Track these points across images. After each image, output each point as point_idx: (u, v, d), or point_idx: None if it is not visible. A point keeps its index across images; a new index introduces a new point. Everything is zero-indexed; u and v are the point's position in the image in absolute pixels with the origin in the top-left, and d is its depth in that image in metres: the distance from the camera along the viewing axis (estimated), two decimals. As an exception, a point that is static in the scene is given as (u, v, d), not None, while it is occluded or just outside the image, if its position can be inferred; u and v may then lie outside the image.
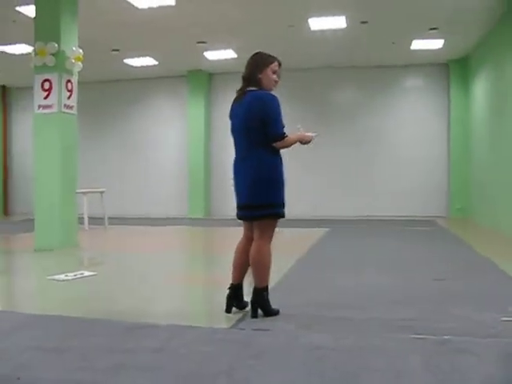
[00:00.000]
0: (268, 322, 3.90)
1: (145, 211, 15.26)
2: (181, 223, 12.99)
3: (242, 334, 3.63)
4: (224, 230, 11.39)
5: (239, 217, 4.14)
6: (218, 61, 13.54)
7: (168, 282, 5.79)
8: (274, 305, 4.07)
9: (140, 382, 2.76)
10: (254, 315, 3.98)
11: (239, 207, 4.10)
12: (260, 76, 4.00)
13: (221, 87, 14.95)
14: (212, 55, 13.08)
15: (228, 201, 12.98)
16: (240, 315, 4.07)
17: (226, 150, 14.74)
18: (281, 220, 4.08)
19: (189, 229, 12.17)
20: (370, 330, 3.73)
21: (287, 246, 8.01)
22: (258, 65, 4.02)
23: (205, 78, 15.11)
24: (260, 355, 3.19)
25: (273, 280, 4.27)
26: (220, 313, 4.15)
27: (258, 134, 3.90)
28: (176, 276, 6.29)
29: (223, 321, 3.99)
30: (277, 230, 4.09)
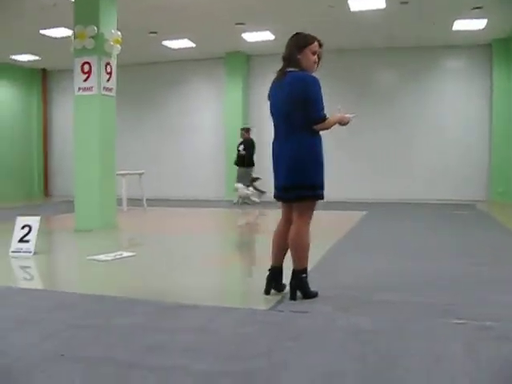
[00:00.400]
0: (306, 304, 3.89)
1: (182, 193, 15.37)
2: (218, 205, 13.04)
3: (281, 316, 3.64)
4: (261, 212, 11.40)
5: (278, 198, 4.13)
6: (257, 42, 13.47)
7: (206, 264, 5.83)
8: (312, 287, 4.06)
9: (180, 362, 2.79)
10: (293, 297, 3.97)
11: (278, 188, 4.08)
12: (299, 56, 3.95)
13: (259, 69, 14.89)
14: (250, 37, 13.00)
15: (264, 183, 12.98)
16: (279, 297, 4.07)
17: (264, 133, 14.70)
18: (319, 202, 4.05)
19: (225, 211, 12.23)
20: (410, 313, 3.69)
21: (325, 229, 7.97)
22: (297, 45, 3.97)
23: (243, 60, 15.06)
24: (298, 337, 3.19)
25: (311, 262, 4.25)
26: (258, 294, 4.16)
27: (298, 116, 3.87)
28: (214, 257, 6.34)
29: (262, 303, 3.99)
30: (315, 211, 4.07)
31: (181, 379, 2.60)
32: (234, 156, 13.46)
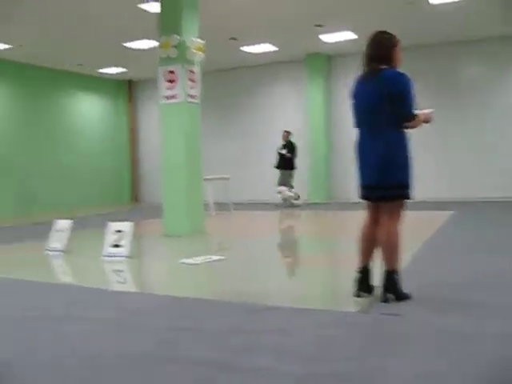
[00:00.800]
0: (398, 306, 3.79)
1: (266, 197, 15.43)
2: (302, 208, 13.02)
3: (372, 319, 3.57)
4: (346, 213, 11.29)
5: (364, 197, 4.07)
6: (337, 43, 13.35)
7: (293, 265, 5.83)
8: (404, 288, 3.96)
9: (267, 364, 2.79)
10: (385, 299, 3.88)
11: (365, 187, 4.02)
12: (391, 55, 3.95)
13: (340, 69, 14.77)
14: (330, 38, 12.90)
15: (349, 185, 12.85)
16: (369, 299, 4.00)
17: (347, 134, 14.57)
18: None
19: (310, 213, 12.19)
20: (510, 315, 3.53)
21: (413, 229, 7.77)
22: (388, 43, 3.97)
23: (323, 61, 14.97)
24: (390, 341, 3.12)
25: (401, 262, 4.16)
26: (346, 296, 4.11)
27: (388, 114, 3.81)
28: (300, 259, 6.33)
29: (351, 304, 3.94)
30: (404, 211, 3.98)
31: (271, 381, 2.60)
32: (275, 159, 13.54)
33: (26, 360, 3.02)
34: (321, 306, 4.01)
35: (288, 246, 7.35)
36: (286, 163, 13.29)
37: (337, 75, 14.96)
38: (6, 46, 12.32)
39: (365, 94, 3.99)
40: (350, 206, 12.23)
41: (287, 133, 13.54)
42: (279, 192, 13.19)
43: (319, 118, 14.89)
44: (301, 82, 15.35)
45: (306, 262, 6.14)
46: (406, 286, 3.98)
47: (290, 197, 13.16)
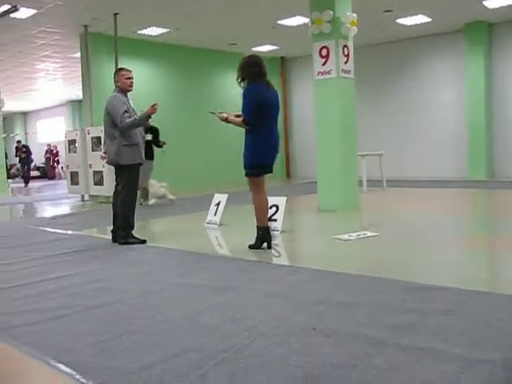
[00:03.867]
0: None
1: (422, 173, 14.94)
2: (460, 186, 12.34)
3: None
4: (509, 193, 10.55)
5: None
6: (501, 8, 12.41)
7: (452, 245, 5.60)
8: None
9: (433, 345, 2.71)
10: None
11: None
12: None
13: (504, 37, 13.75)
14: (492, 3, 12.03)
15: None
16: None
17: (509, 108, 13.65)
18: None
19: (469, 191, 11.53)
20: None
21: None
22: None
23: (484, 30, 13.99)
24: None
25: None
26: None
27: None
28: (460, 239, 6.06)
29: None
30: None
31: (437, 362, 2.52)
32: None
33: (188, 322, 3.23)
34: (485, 289, 3.80)
35: (444, 225, 7.05)
36: (151, 151, 10.70)
37: (498, 44, 13.90)
38: (165, 30, 13.03)
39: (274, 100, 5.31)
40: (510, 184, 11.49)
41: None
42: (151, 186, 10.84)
43: (479, 91, 13.95)
44: (459, 53, 14.49)
45: (466, 243, 5.87)
46: None
47: (162, 193, 10.93)
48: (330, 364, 2.55)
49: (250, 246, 5.61)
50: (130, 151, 6.15)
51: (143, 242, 6.22)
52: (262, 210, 5.61)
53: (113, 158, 6.17)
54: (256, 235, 5.62)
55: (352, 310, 3.38)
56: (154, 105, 6.18)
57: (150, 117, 6.26)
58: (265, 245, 5.62)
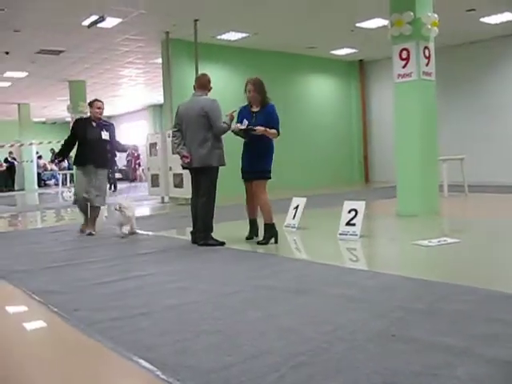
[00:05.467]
0: None
1: (507, 179, 14.34)
2: None
3: None
4: None
5: None
6: None
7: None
8: None
9: (517, 355, 2.63)
10: None
11: None
12: None
13: None
14: None
15: None
16: None
17: None
18: None
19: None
20: None
21: None
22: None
23: None
24: None
25: None
26: None
27: None
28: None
29: None
30: None
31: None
32: None
33: (266, 324, 3.25)
34: None
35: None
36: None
37: None
38: (244, 35, 13.20)
39: None
40: None
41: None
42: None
43: None
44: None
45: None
46: None
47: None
48: (410, 372, 2.50)
49: (259, 243, 6.25)
50: (221, 154, 6.39)
51: (222, 243, 6.32)
52: (270, 208, 6.30)
53: (204, 159, 6.32)
54: (264, 232, 6.31)
55: (433, 317, 3.30)
56: (233, 112, 6.41)
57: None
58: (272, 240, 6.29)
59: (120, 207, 7.23)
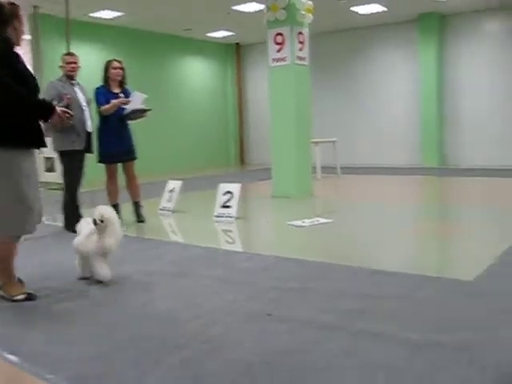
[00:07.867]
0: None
1: (376, 161, 15.11)
2: (414, 173, 12.48)
3: (487, 287, 3.43)
4: (460, 180, 10.76)
5: None
6: (453, 0, 12.55)
7: (403, 232, 5.69)
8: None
9: (386, 329, 2.76)
10: None
11: None
12: None
13: (455, 29, 13.93)
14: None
15: (465, 148, 12.32)
16: (484, 267, 3.84)
17: (460, 97, 13.89)
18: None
19: (422, 178, 11.72)
20: None
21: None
22: None
23: (437, 21, 14.16)
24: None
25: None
26: (461, 264, 3.97)
27: None
28: (411, 226, 6.17)
29: (465, 273, 3.78)
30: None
31: (390, 346, 2.56)
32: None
33: (142, 310, 3.19)
34: (435, 274, 3.86)
35: (398, 212, 7.15)
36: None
37: (450, 36, 14.09)
38: (119, 14, 12.76)
39: None
40: (465, 172, 11.77)
41: None
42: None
43: (431, 81, 14.16)
44: (412, 43, 14.65)
45: (417, 229, 5.97)
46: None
47: None
48: (286, 350, 2.56)
49: (141, 221, 6.51)
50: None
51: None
52: None
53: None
54: (139, 210, 6.60)
55: (306, 296, 3.39)
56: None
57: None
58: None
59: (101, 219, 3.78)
